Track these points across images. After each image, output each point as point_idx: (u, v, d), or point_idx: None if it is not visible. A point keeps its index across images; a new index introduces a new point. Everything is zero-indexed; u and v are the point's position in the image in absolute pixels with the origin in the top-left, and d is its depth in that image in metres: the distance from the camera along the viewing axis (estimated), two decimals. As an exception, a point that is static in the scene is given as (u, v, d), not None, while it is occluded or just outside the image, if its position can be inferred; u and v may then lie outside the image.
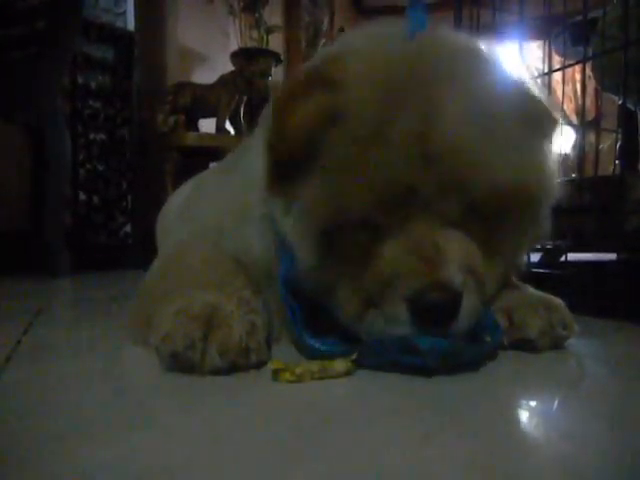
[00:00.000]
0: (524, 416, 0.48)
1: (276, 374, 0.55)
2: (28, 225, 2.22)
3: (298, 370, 0.55)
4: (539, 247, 1.35)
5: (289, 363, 0.56)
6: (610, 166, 1.87)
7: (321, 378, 0.55)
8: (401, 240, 0.61)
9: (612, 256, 1.06)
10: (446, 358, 0.57)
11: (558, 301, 0.70)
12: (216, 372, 0.55)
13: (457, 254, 0.60)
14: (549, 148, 0.68)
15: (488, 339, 0.64)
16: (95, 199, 2.61)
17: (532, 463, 0.37)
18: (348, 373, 0.57)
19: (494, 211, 0.62)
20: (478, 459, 0.37)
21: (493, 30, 1.32)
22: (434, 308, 0.57)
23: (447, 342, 0.57)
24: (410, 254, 0.59)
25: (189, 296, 0.62)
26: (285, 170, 0.63)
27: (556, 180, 0.69)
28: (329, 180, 0.61)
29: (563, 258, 1.18)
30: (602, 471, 0.36)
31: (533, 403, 0.51)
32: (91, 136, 2.59)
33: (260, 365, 0.58)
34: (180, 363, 0.56)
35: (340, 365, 0.57)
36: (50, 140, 2.05)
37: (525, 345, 0.67)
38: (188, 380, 0.55)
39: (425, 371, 0.56)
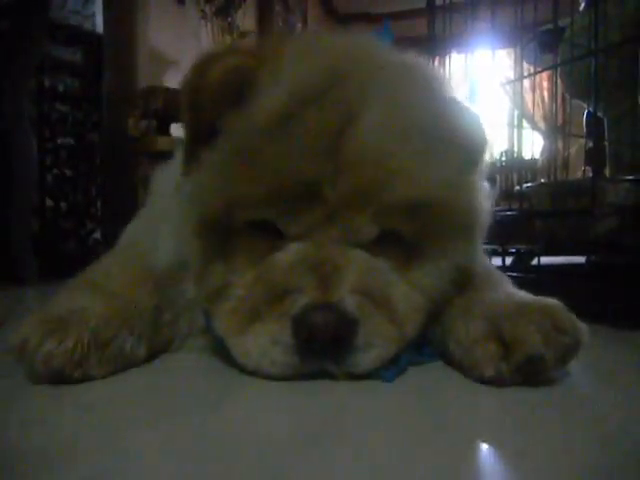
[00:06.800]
0: (509, 423, 0.48)
1: None
2: (-8, 232, 2.14)
3: None
4: (512, 251, 1.37)
5: None
6: (577, 171, 1.91)
7: None
8: (300, 251, 0.56)
9: (582, 259, 1.09)
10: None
11: (551, 302, 0.57)
12: (41, 378, 0.54)
13: (356, 276, 0.55)
14: (476, 169, 0.64)
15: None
16: (63, 205, 2.54)
17: (523, 469, 0.37)
18: None
19: (412, 233, 0.58)
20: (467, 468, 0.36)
21: (466, 37, 1.34)
22: (319, 332, 0.52)
23: None
24: (304, 268, 0.54)
25: (62, 302, 0.60)
26: (196, 145, 0.59)
27: (484, 203, 0.64)
28: (224, 165, 0.56)
29: (535, 262, 1.20)
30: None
31: (517, 410, 0.51)
32: (59, 140, 2.51)
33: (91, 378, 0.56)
34: (18, 360, 0.55)
35: None
36: (15, 144, 1.98)
37: (532, 370, 0.53)
38: (166, 385, 0.53)
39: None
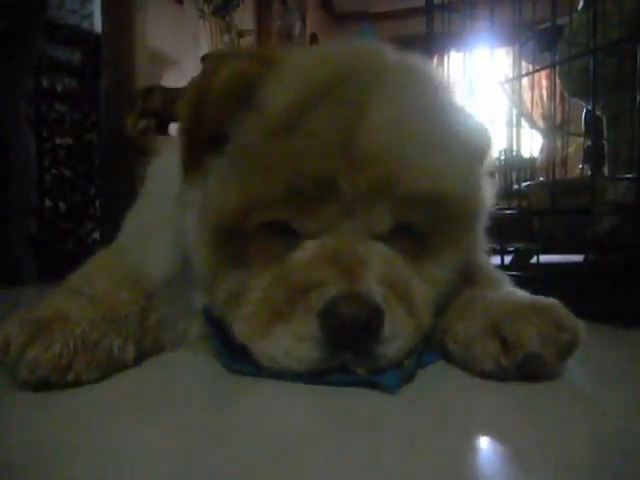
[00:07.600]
0: (509, 422, 0.48)
1: None
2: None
3: None
4: (511, 249, 1.37)
5: None
6: (576, 169, 1.90)
7: None
8: (318, 246, 0.56)
9: (580, 257, 1.09)
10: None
11: (549, 301, 0.58)
12: (25, 384, 0.52)
13: (379, 267, 0.56)
14: (481, 166, 0.66)
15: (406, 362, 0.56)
16: (62, 205, 2.53)
17: (523, 469, 0.37)
18: None
19: (424, 226, 0.59)
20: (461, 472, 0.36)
21: (464, 36, 1.34)
22: (349, 322, 0.51)
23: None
24: (326, 262, 0.54)
25: (45, 307, 0.58)
26: (198, 152, 0.58)
27: (487, 195, 0.66)
28: (235, 169, 0.56)
29: (534, 260, 1.20)
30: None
31: (517, 409, 0.51)
32: (57, 140, 2.51)
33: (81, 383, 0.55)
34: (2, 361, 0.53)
35: None
36: (14, 145, 1.98)
37: (531, 367, 0.54)
38: (159, 386, 0.53)
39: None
